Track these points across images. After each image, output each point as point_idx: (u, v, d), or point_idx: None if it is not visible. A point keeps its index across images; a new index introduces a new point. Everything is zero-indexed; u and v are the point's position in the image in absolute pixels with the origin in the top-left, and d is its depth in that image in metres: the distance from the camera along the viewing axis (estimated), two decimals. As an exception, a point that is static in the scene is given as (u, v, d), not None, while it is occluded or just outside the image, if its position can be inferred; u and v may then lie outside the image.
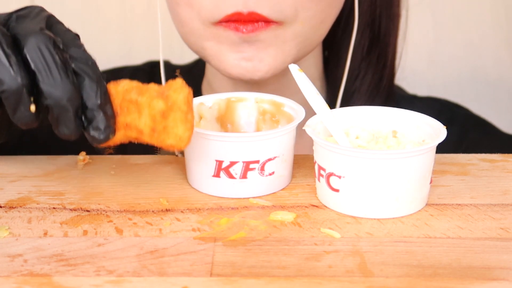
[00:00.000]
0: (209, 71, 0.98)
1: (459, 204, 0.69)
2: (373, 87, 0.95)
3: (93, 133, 0.64)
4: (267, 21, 0.80)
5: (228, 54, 0.82)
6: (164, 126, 0.64)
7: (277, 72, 0.83)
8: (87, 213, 0.68)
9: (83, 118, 0.64)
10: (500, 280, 0.58)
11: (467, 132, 0.99)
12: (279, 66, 0.83)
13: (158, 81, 0.98)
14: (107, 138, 0.65)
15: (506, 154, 0.78)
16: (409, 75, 1.08)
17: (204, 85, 0.99)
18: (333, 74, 0.97)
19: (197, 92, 0.99)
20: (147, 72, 1.04)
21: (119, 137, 0.66)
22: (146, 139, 0.66)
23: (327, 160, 0.67)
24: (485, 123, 1.04)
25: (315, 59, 0.95)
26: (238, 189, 0.70)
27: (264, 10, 0.79)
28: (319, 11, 0.83)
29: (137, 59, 1.13)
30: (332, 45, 0.98)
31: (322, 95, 0.95)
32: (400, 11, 0.97)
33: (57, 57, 0.62)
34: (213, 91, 0.95)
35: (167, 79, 0.96)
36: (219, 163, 0.69)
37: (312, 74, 0.93)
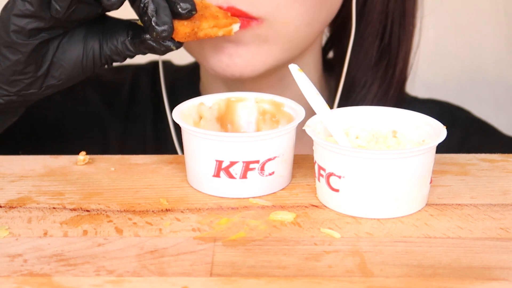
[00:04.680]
0: (202, 73, 0.98)
1: (459, 204, 0.69)
2: (380, 97, 0.95)
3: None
4: (247, 17, 0.80)
5: (209, 50, 0.84)
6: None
7: (258, 71, 0.84)
8: (87, 213, 0.68)
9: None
10: (500, 280, 0.58)
11: (469, 135, 0.99)
12: (259, 65, 0.84)
13: (159, 80, 0.98)
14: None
15: (506, 154, 0.78)
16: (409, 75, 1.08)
17: (201, 86, 0.99)
18: (338, 80, 0.96)
19: (197, 92, 0.99)
20: (150, 71, 1.04)
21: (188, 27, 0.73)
22: (222, 20, 0.76)
23: (327, 160, 0.67)
24: (487, 126, 1.03)
25: (314, 63, 0.95)
26: (238, 189, 0.70)
27: (242, 5, 0.80)
28: (304, 12, 0.83)
29: (141, 58, 1.13)
30: (339, 50, 0.97)
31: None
32: (415, 21, 0.96)
33: None
34: (207, 92, 0.96)
35: (166, 79, 0.97)
36: (219, 163, 0.69)
37: (311, 78, 0.93)
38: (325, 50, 1.01)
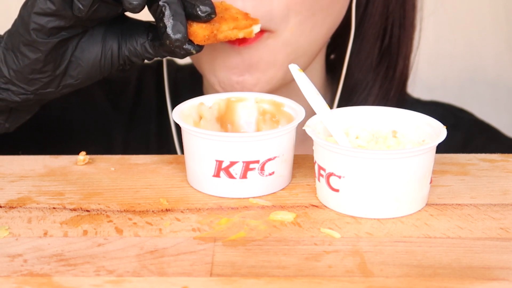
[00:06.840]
0: None
1: (459, 204, 0.69)
2: (381, 98, 0.95)
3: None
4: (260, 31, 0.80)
5: (220, 68, 0.83)
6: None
7: (268, 85, 0.83)
8: (87, 213, 0.68)
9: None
10: (500, 280, 0.58)
11: (471, 138, 0.99)
12: (269, 79, 0.83)
13: (163, 79, 0.98)
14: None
15: (506, 154, 0.78)
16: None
17: (205, 84, 0.99)
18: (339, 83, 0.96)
19: (199, 92, 0.99)
20: (155, 70, 1.04)
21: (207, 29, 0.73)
22: (242, 22, 0.75)
23: (327, 160, 0.67)
24: (490, 128, 1.03)
25: (318, 67, 0.95)
26: (238, 189, 0.70)
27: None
28: (310, 15, 0.82)
29: None
30: (341, 53, 0.97)
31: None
32: (416, 22, 0.96)
33: None
34: (213, 89, 0.95)
35: (169, 78, 0.97)
36: (219, 163, 0.69)
37: (314, 81, 0.93)
38: (327, 53, 1.01)
